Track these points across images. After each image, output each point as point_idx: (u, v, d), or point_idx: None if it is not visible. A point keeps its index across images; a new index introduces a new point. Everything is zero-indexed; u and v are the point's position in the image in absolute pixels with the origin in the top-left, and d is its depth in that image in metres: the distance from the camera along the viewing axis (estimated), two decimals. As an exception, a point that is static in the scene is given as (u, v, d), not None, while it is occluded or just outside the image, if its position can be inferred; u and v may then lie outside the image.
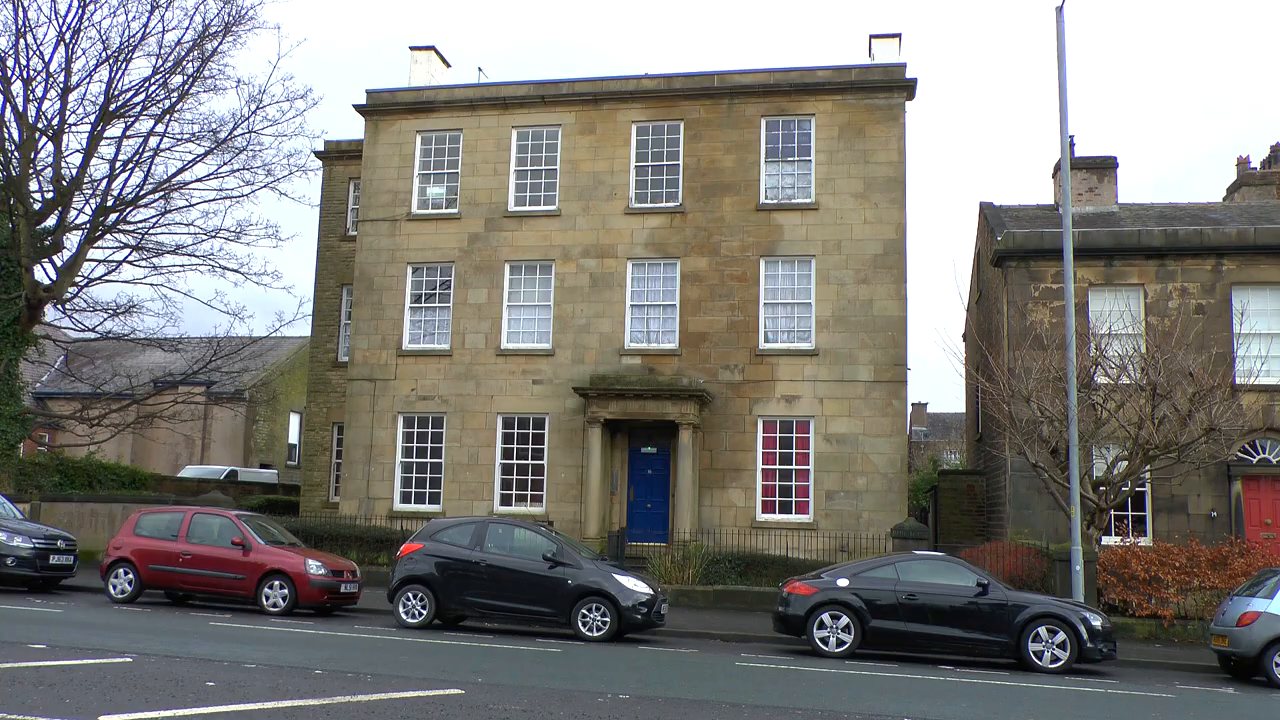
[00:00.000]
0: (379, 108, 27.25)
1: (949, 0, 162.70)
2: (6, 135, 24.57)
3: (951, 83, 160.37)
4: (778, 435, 24.26)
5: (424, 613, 16.05)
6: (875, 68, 25.34)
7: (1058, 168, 26.57)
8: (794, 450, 24.12)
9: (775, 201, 25.03)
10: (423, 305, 26.54)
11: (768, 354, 24.47)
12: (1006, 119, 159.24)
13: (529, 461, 25.36)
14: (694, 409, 23.61)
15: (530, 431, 25.44)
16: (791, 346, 24.47)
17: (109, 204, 25.32)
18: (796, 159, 25.12)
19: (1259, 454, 22.43)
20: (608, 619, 15.37)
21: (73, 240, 25.64)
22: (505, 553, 16.23)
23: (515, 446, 25.50)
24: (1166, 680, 14.23)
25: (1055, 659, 14.40)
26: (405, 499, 25.86)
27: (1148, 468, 19.78)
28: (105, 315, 26.43)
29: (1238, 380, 21.70)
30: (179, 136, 25.94)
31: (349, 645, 13.29)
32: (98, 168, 25.87)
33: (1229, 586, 17.71)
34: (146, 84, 25.27)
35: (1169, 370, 19.08)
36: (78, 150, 25.44)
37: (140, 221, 26.13)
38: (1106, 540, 20.93)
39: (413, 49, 28.70)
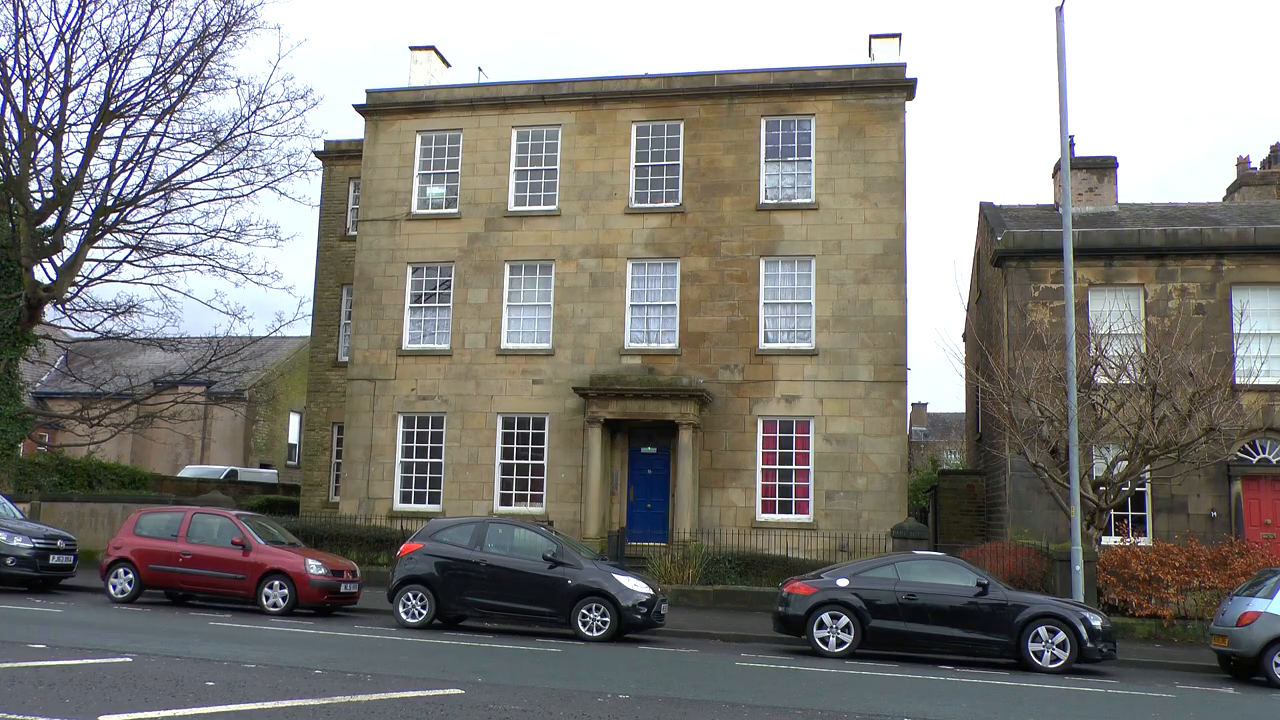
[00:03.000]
0: (379, 108, 27.25)
1: (949, 0, 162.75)
2: (6, 135, 24.55)
3: (951, 83, 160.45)
4: (778, 435, 24.27)
5: (424, 613, 16.04)
6: (875, 68, 25.34)
7: (1058, 168, 26.57)
8: (794, 450, 24.12)
9: (775, 201, 25.03)
10: (423, 305, 26.54)
11: (768, 354, 24.48)
12: (1006, 119, 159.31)
13: (529, 461, 25.36)
14: (694, 409, 23.61)
15: (530, 431, 25.44)
16: (791, 346, 24.47)
17: (109, 204, 25.30)
18: (796, 159, 25.12)
19: (1259, 454, 22.44)
20: (608, 619, 15.37)
21: (73, 240, 25.65)
22: (505, 553, 16.23)
23: (515, 446, 25.51)
24: (1166, 680, 14.23)
25: (1055, 659, 14.40)
26: (405, 499, 25.87)
27: (1148, 468, 19.77)
28: (105, 315, 26.42)
29: (1238, 380, 21.70)
30: (179, 136, 25.94)
31: (349, 645, 13.29)
32: (98, 168, 25.89)
33: (1229, 586, 17.71)
34: (146, 84, 25.28)
35: (1169, 370, 19.07)
36: (78, 150, 25.44)
37: (140, 221, 26.13)
38: (1106, 540, 20.94)
39: (413, 49, 28.68)
